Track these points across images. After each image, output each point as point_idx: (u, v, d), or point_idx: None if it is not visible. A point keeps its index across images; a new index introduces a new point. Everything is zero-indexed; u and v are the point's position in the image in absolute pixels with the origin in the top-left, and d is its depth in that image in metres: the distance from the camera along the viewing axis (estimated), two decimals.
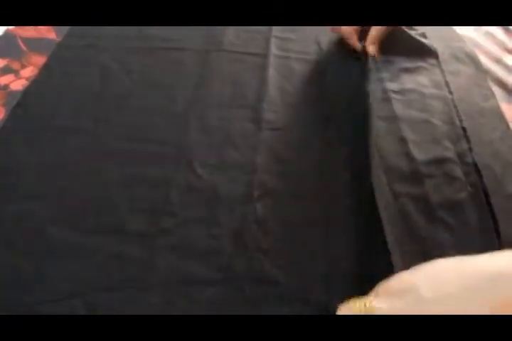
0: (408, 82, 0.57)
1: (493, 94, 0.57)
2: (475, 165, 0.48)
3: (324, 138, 0.51)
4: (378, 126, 0.50)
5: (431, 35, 0.64)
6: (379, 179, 0.44)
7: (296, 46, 0.63)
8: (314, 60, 0.61)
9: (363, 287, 0.34)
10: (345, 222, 0.43)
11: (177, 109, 0.54)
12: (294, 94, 0.56)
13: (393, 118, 0.52)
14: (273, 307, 0.38)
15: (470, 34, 0.68)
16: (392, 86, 0.55)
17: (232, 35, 0.65)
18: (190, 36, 0.65)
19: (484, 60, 0.63)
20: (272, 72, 0.58)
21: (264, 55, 0.61)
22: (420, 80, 0.58)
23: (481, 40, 0.68)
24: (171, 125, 0.52)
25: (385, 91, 0.54)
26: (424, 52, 0.61)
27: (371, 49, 0.57)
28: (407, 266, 0.33)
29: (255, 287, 0.39)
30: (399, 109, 0.53)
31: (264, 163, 0.48)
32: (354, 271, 0.40)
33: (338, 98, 0.56)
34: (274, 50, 0.62)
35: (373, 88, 0.53)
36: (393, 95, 0.54)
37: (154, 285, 0.40)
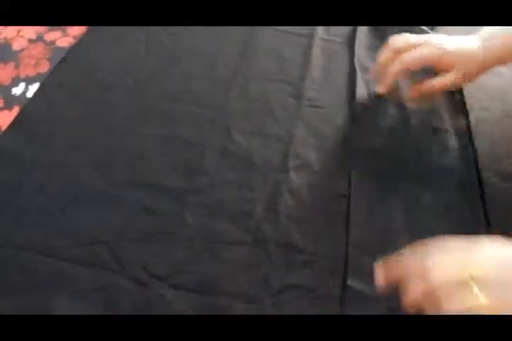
0: None
1: None
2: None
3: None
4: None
5: None
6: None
7: (342, 31, 0.63)
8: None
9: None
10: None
11: (219, 76, 0.54)
12: (336, 75, 0.56)
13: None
14: (296, 273, 0.38)
15: None
16: None
17: None
18: None
19: None
20: (316, 52, 0.58)
21: (310, 36, 0.61)
22: None
23: None
24: (211, 90, 0.52)
25: None
26: None
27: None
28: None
29: (281, 252, 0.39)
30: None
31: (301, 136, 0.47)
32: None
33: None
34: (320, 32, 0.62)
35: None
36: None
37: (181, 239, 0.40)
